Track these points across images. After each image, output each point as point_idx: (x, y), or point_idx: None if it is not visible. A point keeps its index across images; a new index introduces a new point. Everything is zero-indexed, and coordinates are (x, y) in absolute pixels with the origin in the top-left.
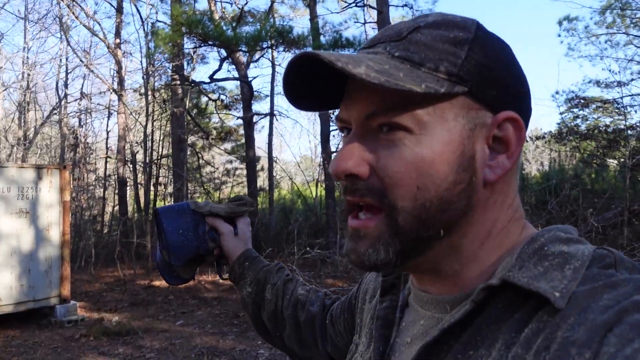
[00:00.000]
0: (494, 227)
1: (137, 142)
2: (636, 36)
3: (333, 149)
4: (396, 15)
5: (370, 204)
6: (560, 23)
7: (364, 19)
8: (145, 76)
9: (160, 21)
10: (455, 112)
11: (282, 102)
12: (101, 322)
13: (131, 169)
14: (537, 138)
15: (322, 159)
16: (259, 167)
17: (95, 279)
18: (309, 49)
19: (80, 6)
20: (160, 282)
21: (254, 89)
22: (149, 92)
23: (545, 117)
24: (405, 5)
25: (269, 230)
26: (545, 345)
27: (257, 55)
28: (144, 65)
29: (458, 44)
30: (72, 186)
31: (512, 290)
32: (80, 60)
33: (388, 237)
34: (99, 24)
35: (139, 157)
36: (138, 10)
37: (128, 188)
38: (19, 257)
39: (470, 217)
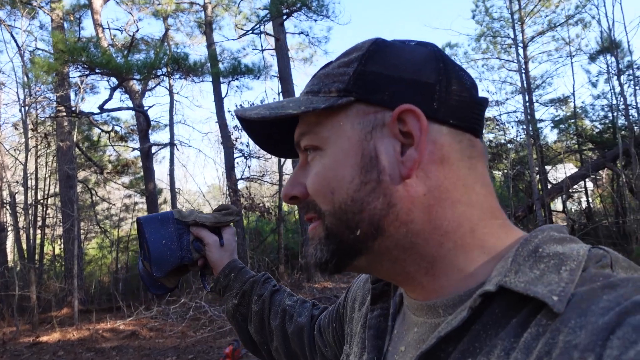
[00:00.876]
0: (459, 226)
1: (17, 182)
2: (507, 60)
3: (238, 176)
4: (293, 42)
5: (312, 216)
6: (443, 49)
7: (262, 46)
8: (22, 109)
9: (39, 49)
10: (351, 120)
11: (182, 131)
12: None
13: (10, 212)
14: None
15: (227, 188)
16: (161, 199)
17: None
18: (208, 76)
19: None
20: (48, 337)
21: (151, 119)
22: (29, 126)
23: None
24: (302, 32)
25: None
26: (547, 350)
27: (152, 84)
28: (22, 97)
29: (350, 64)
30: None
31: (509, 294)
32: None
33: (324, 238)
34: None
35: (20, 197)
36: (13, 37)
37: (8, 234)
38: None
39: (407, 215)
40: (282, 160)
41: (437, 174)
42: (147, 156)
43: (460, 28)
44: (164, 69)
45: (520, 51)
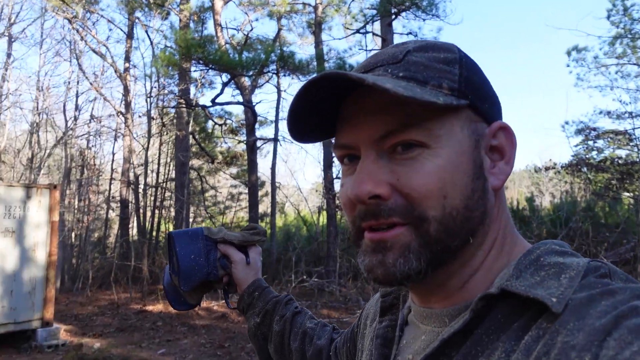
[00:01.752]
0: (498, 236)
1: (140, 165)
2: None
3: (334, 175)
4: None
5: (395, 222)
6: (569, 53)
7: (366, 46)
8: (147, 99)
9: (167, 46)
10: (461, 124)
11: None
12: (80, 348)
13: (134, 192)
14: (548, 168)
15: (324, 186)
16: (262, 192)
17: (90, 302)
18: (314, 74)
19: (91, 32)
20: (152, 307)
21: (259, 114)
22: (153, 116)
23: (554, 146)
24: (410, 33)
25: (270, 256)
26: (545, 351)
27: (262, 81)
28: (147, 88)
29: (450, 63)
30: (66, 205)
31: (511, 300)
32: (90, 84)
33: (418, 246)
34: (108, 49)
35: (142, 179)
36: (148, 36)
37: (130, 211)
38: (1, 277)
39: (486, 225)
40: None
41: (504, 192)
42: (252, 149)
43: (588, 28)
44: (273, 67)
45: None
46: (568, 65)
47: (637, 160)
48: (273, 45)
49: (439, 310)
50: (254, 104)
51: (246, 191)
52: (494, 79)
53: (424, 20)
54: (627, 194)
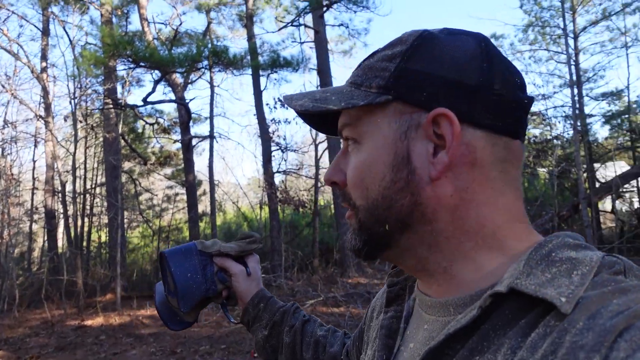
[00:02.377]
0: (482, 227)
1: (67, 172)
2: (556, 52)
3: (275, 169)
4: (333, 35)
5: (347, 206)
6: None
7: (301, 39)
8: (72, 101)
9: (90, 43)
10: (389, 119)
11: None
12: None
13: (60, 200)
14: None
15: (264, 181)
16: (200, 191)
17: (19, 323)
18: (248, 69)
19: (1, 30)
20: (92, 321)
21: (192, 111)
22: (78, 118)
23: None
24: (342, 24)
25: None
26: (552, 350)
27: (194, 77)
28: (71, 89)
29: (393, 58)
30: None
31: (520, 296)
32: (2, 86)
33: (358, 229)
34: (21, 47)
35: (69, 187)
36: (66, 32)
37: (57, 221)
38: None
39: (432, 214)
40: (319, 153)
41: (466, 176)
42: (187, 148)
43: (506, 18)
44: (205, 62)
45: (571, 42)
46: None
47: (550, 138)
48: (204, 39)
49: (440, 299)
50: (187, 101)
51: (183, 191)
52: None
53: (354, 12)
54: (543, 169)
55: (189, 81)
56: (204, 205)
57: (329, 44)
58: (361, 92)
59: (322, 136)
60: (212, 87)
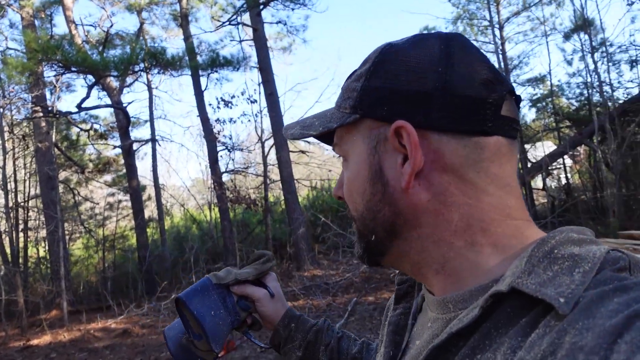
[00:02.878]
0: (469, 226)
1: None
2: (484, 42)
3: (222, 169)
4: (272, 32)
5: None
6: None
7: (240, 37)
8: None
9: (11, 48)
10: (362, 136)
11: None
12: None
13: None
14: None
15: (212, 181)
16: (145, 196)
17: None
18: (187, 70)
19: None
20: (38, 340)
21: (131, 115)
22: (4, 128)
23: None
24: (279, 22)
25: (163, 262)
26: (552, 350)
27: (130, 80)
28: None
29: (360, 78)
30: None
31: (521, 294)
32: None
33: (357, 238)
34: None
35: (1, 201)
36: None
37: None
38: None
39: (415, 220)
40: (266, 151)
41: (441, 181)
42: (128, 153)
43: (437, 12)
44: (142, 64)
45: (497, 32)
46: None
47: None
48: (137, 40)
49: (440, 297)
50: (124, 105)
51: (126, 198)
52: (357, 59)
53: (292, 9)
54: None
55: (125, 84)
56: (149, 211)
57: (269, 41)
58: (339, 114)
59: (267, 133)
60: (150, 89)
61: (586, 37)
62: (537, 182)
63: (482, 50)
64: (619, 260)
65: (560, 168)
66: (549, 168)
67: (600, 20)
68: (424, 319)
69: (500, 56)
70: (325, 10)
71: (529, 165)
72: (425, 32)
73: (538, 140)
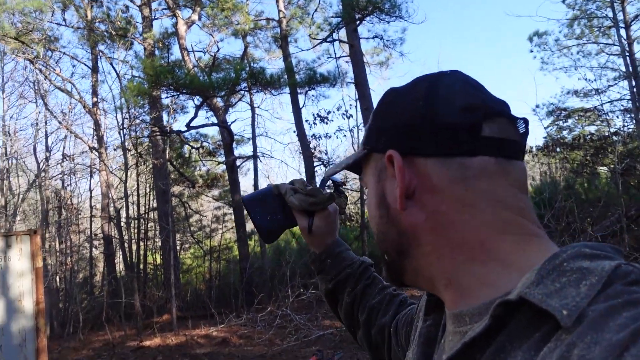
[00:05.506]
0: (466, 241)
1: (120, 199)
2: (606, 44)
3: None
4: (368, 47)
5: None
6: (530, 39)
7: (335, 54)
8: (120, 131)
9: (135, 76)
10: (371, 168)
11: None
12: None
13: (116, 226)
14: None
15: None
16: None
17: (84, 345)
18: (285, 88)
19: (55, 71)
20: (150, 342)
21: (235, 133)
22: (127, 147)
23: (531, 130)
24: (376, 36)
25: (263, 274)
26: None
27: (234, 100)
28: (120, 120)
29: (370, 119)
30: (47, 249)
31: (532, 307)
32: (59, 123)
33: (382, 261)
34: (74, 86)
35: (124, 213)
36: (113, 67)
37: (114, 246)
38: None
39: (416, 239)
40: None
41: (432, 201)
42: (232, 169)
43: (548, 13)
44: (244, 85)
45: (623, 32)
46: (531, 51)
47: (608, 134)
48: (241, 63)
49: (457, 311)
50: (229, 123)
51: (231, 211)
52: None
53: (388, 22)
54: (603, 167)
55: (230, 104)
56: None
57: (365, 56)
58: (358, 151)
59: None
60: (252, 108)
61: None
62: None
63: (475, 82)
64: (630, 274)
65: None
66: None
67: None
68: (447, 332)
69: (628, 58)
70: (424, 21)
71: None
72: (426, 73)
73: None
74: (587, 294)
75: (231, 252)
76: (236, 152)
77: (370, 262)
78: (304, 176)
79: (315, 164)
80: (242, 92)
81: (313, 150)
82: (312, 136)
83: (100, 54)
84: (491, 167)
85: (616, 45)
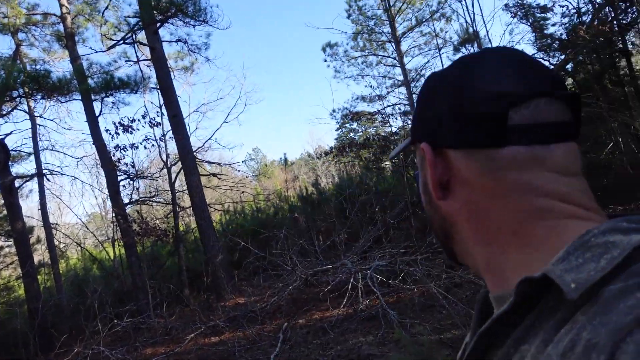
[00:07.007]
0: (499, 229)
1: None
2: (384, 56)
3: (125, 200)
4: (171, 51)
5: None
6: (324, 49)
7: (137, 57)
8: None
9: None
10: (418, 154)
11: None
12: None
13: None
14: (325, 154)
15: (114, 214)
16: (33, 238)
17: None
18: (76, 94)
19: None
20: None
21: (11, 148)
22: None
23: (328, 134)
24: (179, 40)
25: (61, 311)
26: (571, 347)
27: (7, 108)
28: None
29: (415, 103)
30: None
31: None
32: None
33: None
34: None
35: None
36: None
37: None
38: None
39: (455, 225)
40: (173, 177)
41: (464, 191)
42: (10, 191)
43: (341, 26)
44: (21, 90)
45: (395, 47)
46: (325, 60)
47: (388, 134)
48: (13, 64)
49: (496, 295)
50: (1, 136)
51: (10, 243)
52: (263, 77)
53: (193, 26)
54: (388, 163)
55: (2, 113)
56: (39, 255)
57: (169, 60)
58: (407, 140)
59: (173, 158)
60: (32, 117)
61: (475, 49)
62: None
63: (514, 62)
64: None
65: None
66: None
67: (487, 32)
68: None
69: (400, 69)
70: (228, 27)
71: None
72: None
73: None
74: (604, 267)
75: (13, 293)
76: (14, 171)
77: None
78: (105, 193)
79: (120, 177)
80: (19, 98)
81: (117, 163)
82: (115, 147)
83: None
84: (521, 156)
85: (391, 58)
